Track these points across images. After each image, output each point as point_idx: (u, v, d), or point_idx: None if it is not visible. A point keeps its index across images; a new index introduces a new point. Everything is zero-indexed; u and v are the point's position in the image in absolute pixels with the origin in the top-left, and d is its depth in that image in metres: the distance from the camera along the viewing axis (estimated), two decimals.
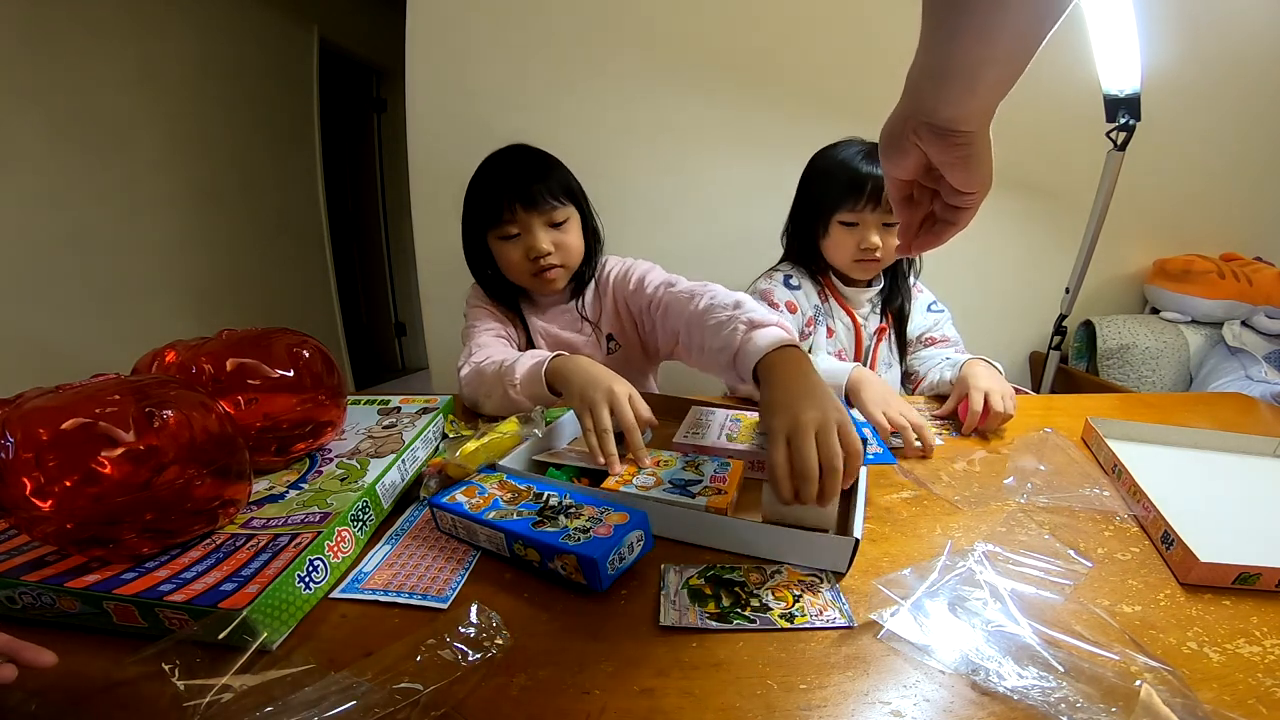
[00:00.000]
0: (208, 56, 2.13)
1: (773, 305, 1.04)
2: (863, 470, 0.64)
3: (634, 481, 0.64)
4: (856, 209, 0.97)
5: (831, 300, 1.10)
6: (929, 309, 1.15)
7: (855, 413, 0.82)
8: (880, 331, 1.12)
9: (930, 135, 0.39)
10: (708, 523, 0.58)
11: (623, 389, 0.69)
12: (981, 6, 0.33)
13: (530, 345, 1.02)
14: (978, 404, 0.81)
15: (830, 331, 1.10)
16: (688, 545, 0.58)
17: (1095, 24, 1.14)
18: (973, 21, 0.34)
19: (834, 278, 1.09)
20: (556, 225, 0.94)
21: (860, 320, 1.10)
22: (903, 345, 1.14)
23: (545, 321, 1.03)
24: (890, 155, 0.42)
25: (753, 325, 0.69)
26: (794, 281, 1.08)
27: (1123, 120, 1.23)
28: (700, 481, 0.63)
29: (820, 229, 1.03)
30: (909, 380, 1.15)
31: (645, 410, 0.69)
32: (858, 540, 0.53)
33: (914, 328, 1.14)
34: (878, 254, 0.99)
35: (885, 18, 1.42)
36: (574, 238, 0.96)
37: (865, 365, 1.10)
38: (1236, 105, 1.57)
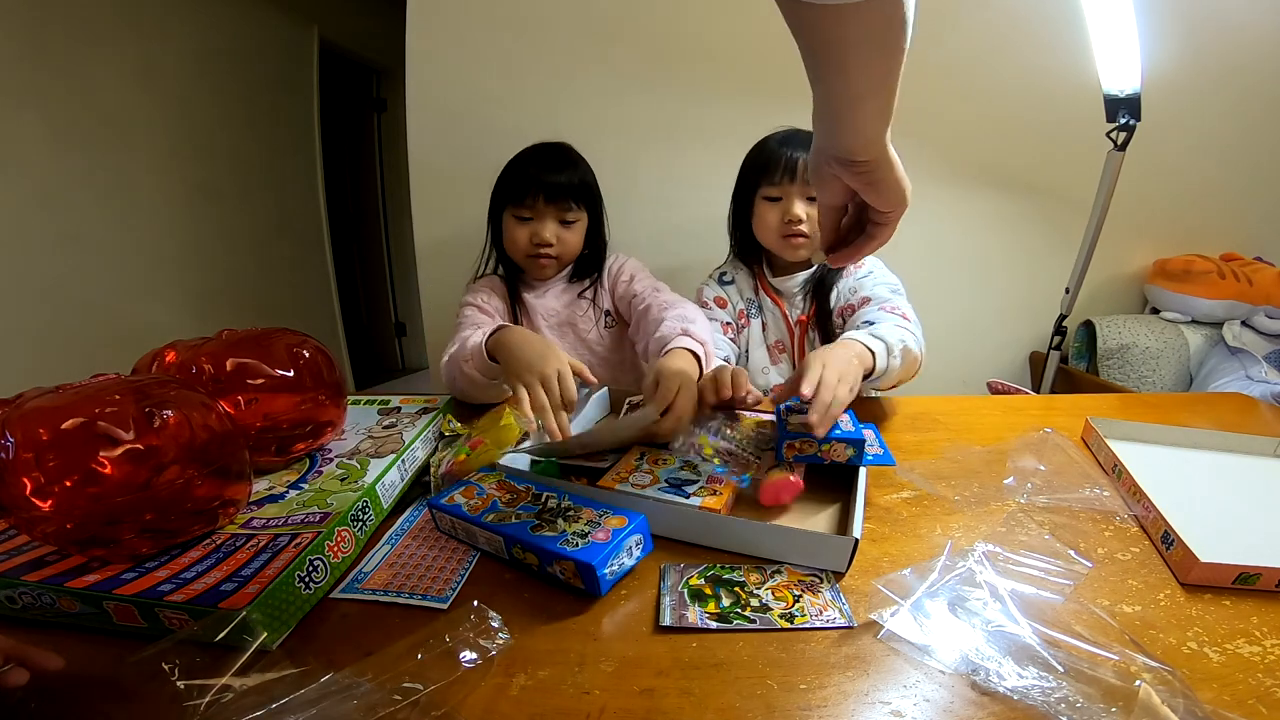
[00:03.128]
0: (207, 56, 2.13)
1: (702, 304, 1.08)
2: (862, 471, 0.64)
3: (629, 480, 0.64)
4: (776, 182, 0.98)
5: (763, 293, 1.08)
6: (855, 277, 1.02)
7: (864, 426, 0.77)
8: (802, 324, 1.06)
9: (839, 166, 0.44)
10: (705, 522, 0.58)
11: (552, 369, 0.71)
12: (831, 59, 0.39)
13: (518, 324, 1.09)
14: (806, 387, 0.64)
15: (764, 325, 1.08)
16: (687, 545, 0.58)
17: (1095, 24, 1.14)
18: (829, 69, 0.39)
19: (765, 269, 1.08)
20: (566, 223, 1.05)
21: (788, 309, 1.06)
22: (825, 328, 1.03)
23: (544, 300, 1.12)
24: (819, 186, 0.48)
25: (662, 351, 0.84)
26: (728, 277, 1.10)
27: (1123, 120, 1.23)
28: (697, 482, 0.63)
29: (750, 211, 1.04)
30: None
31: (571, 389, 0.70)
32: (857, 540, 0.53)
33: (834, 303, 1.03)
34: (802, 225, 0.96)
35: None
36: (576, 237, 1.07)
37: (796, 357, 1.07)
38: (1236, 105, 1.57)
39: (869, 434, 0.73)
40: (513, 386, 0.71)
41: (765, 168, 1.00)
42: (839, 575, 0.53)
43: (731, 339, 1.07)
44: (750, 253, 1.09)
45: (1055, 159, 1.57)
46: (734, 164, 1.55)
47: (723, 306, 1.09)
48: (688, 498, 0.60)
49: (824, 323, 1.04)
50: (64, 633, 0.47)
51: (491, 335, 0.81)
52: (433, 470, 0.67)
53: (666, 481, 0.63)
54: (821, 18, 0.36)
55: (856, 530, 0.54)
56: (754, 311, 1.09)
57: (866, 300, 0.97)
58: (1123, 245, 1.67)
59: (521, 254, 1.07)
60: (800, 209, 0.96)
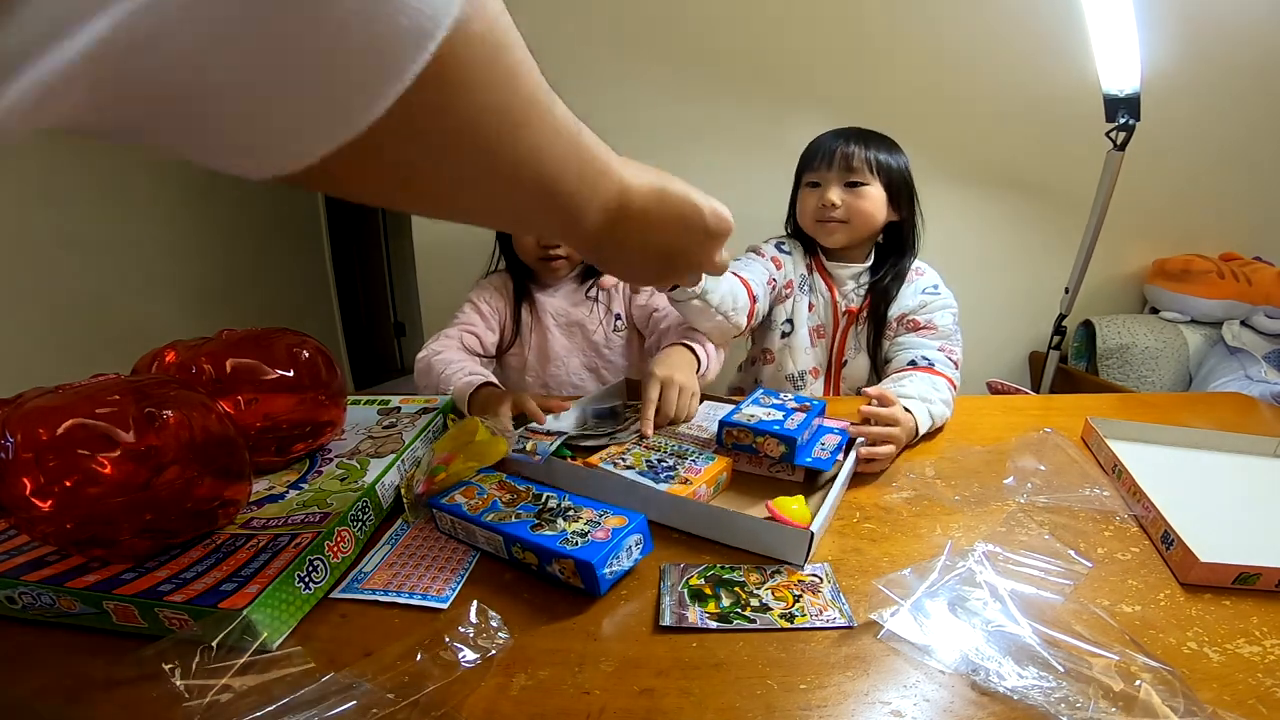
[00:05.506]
0: None
1: (759, 254, 1.07)
2: (843, 471, 0.66)
3: (614, 460, 0.68)
4: (816, 168, 1.02)
5: (816, 274, 1.08)
6: (924, 291, 1.03)
7: (832, 424, 0.78)
8: (850, 314, 1.06)
9: None
10: (673, 505, 0.60)
11: (503, 397, 0.82)
12: None
13: (516, 331, 1.12)
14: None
15: (811, 305, 1.08)
16: (661, 527, 0.60)
17: (1095, 24, 1.14)
18: None
19: (821, 251, 1.09)
20: None
21: (839, 297, 1.07)
22: (878, 328, 1.04)
23: (554, 299, 1.13)
24: None
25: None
26: (785, 247, 1.10)
27: (1123, 120, 1.23)
28: (675, 469, 0.66)
29: (796, 196, 1.09)
30: (887, 370, 1.03)
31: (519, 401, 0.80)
32: (813, 533, 0.54)
33: (897, 308, 1.03)
34: (836, 211, 1.00)
35: (879, 19, 1.43)
36: None
37: (835, 346, 1.08)
38: (1236, 105, 1.57)
39: (832, 439, 0.72)
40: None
41: (810, 155, 1.05)
42: (838, 574, 0.54)
43: (771, 298, 1.07)
44: (804, 236, 1.10)
45: (1055, 159, 1.57)
46: (733, 162, 1.56)
47: (779, 267, 1.08)
48: (658, 482, 0.63)
49: (876, 321, 1.04)
50: (64, 633, 0.47)
51: (479, 390, 0.87)
52: (404, 494, 0.63)
53: (648, 465, 0.67)
54: None
55: (816, 524, 0.55)
56: (804, 289, 1.08)
57: (931, 328, 0.98)
58: (1122, 245, 1.67)
59: (533, 258, 1.07)
60: (834, 195, 1.00)
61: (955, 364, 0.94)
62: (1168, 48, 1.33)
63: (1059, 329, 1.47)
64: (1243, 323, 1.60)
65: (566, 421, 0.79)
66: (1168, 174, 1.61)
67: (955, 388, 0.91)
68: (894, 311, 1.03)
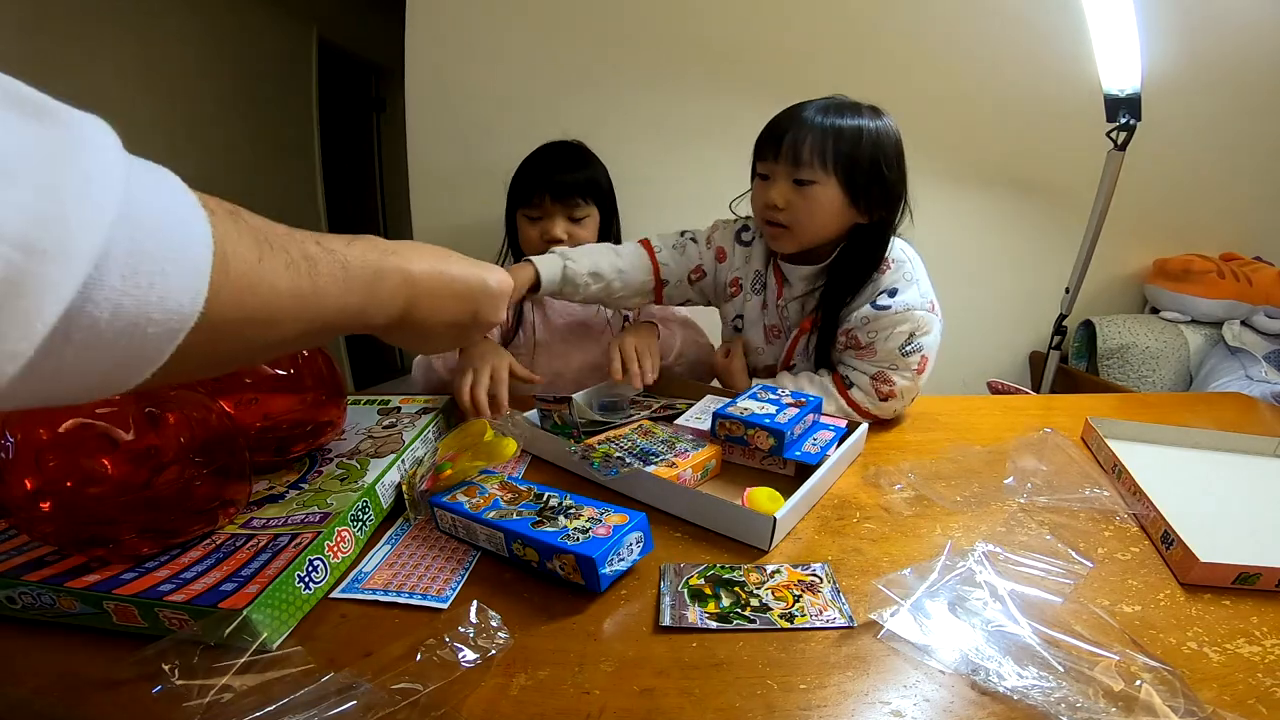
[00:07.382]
0: (206, 56, 2.13)
1: (699, 241, 0.99)
2: (827, 463, 0.66)
3: (609, 444, 0.71)
4: (765, 158, 0.83)
5: (771, 270, 0.93)
6: (875, 302, 0.81)
7: (829, 421, 0.78)
8: (802, 329, 0.90)
9: None
10: (656, 485, 0.64)
11: (494, 362, 0.84)
12: None
13: (517, 326, 1.12)
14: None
15: (764, 305, 0.95)
16: (659, 526, 0.60)
17: (1095, 24, 1.15)
18: None
19: None
20: (575, 220, 1.07)
21: (788, 298, 0.91)
22: (825, 338, 0.88)
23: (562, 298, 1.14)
24: None
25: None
26: (747, 236, 0.95)
27: (1123, 120, 1.23)
28: (664, 456, 0.68)
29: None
30: None
31: (502, 384, 0.83)
32: (775, 519, 0.55)
33: (848, 318, 0.85)
34: (779, 214, 0.81)
35: (879, 18, 1.43)
36: (588, 233, 1.08)
37: (786, 349, 0.94)
38: (1236, 105, 1.57)
39: (825, 435, 0.73)
40: (461, 373, 0.82)
41: (762, 137, 0.84)
42: (837, 574, 0.54)
43: (701, 292, 1.00)
44: None
45: (1055, 159, 1.57)
46: (734, 161, 1.56)
47: (720, 260, 0.96)
48: (645, 465, 0.66)
49: (824, 341, 0.88)
50: (64, 633, 0.47)
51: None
52: (406, 491, 0.63)
53: (640, 451, 0.70)
54: None
55: (782, 511, 0.56)
56: (758, 287, 0.94)
57: (870, 351, 0.82)
58: (1122, 245, 1.67)
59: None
60: (777, 194, 0.80)
61: (884, 395, 0.81)
62: (1168, 48, 1.33)
63: (1059, 329, 1.47)
64: (1243, 323, 1.60)
65: (581, 397, 0.84)
66: (1168, 174, 1.61)
67: (862, 413, 0.83)
68: (845, 325, 0.86)
